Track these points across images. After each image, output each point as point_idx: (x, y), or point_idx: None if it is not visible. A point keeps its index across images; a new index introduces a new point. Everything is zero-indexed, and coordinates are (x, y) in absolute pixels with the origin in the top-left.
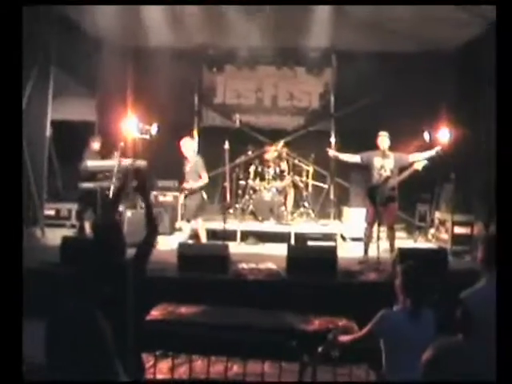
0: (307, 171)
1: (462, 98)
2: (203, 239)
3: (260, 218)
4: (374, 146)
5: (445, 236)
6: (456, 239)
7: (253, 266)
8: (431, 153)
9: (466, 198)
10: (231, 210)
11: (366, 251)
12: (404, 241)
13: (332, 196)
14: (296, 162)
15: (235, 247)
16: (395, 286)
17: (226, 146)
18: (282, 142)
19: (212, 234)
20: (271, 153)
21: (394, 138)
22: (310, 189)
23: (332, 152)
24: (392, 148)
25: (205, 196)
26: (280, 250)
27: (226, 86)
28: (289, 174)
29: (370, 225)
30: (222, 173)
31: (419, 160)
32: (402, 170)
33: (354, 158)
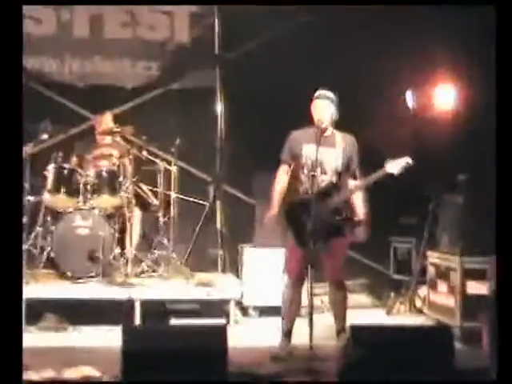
0: (167, 172)
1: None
2: None
3: (69, 274)
4: (302, 122)
5: (448, 300)
6: (469, 306)
7: (50, 375)
8: (403, 161)
9: (483, 221)
10: None
11: (286, 334)
12: (366, 311)
13: (219, 224)
14: (144, 153)
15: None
16: None
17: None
18: (110, 115)
19: None
20: (101, 136)
21: (345, 106)
22: (173, 210)
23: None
24: (341, 125)
25: None
26: (109, 337)
27: None
28: (129, 179)
29: (295, 281)
30: None
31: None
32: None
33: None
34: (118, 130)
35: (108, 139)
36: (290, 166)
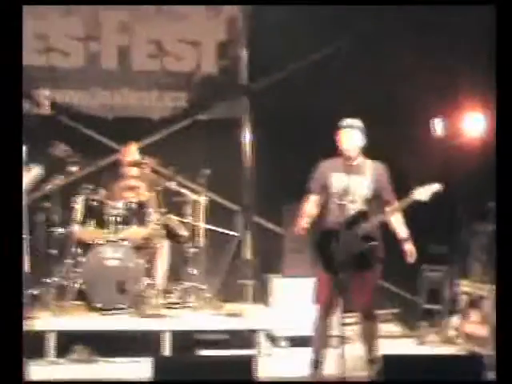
0: (195, 203)
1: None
2: None
3: (99, 306)
4: (329, 151)
5: (481, 330)
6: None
7: None
8: (431, 188)
9: None
10: (35, 292)
11: (316, 365)
12: (397, 341)
13: (248, 254)
14: (172, 184)
15: (45, 370)
16: None
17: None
18: (135, 146)
19: None
20: (127, 167)
21: (373, 134)
22: (202, 240)
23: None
24: (369, 153)
25: None
26: (138, 369)
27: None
28: (158, 211)
29: (325, 310)
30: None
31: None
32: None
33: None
34: (145, 161)
35: (135, 171)
36: (318, 196)
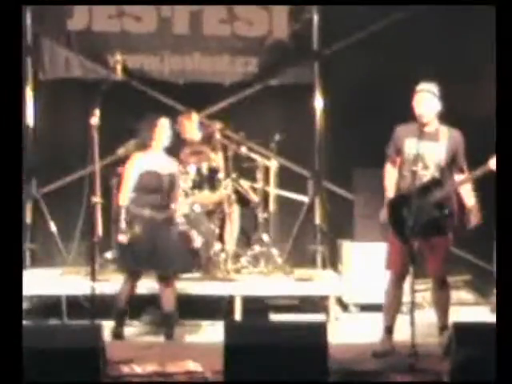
0: (266, 169)
1: None
2: None
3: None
4: (404, 116)
5: None
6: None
7: (154, 368)
8: None
9: None
10: (109, 255)
11: (388, 330)
12: (470, 309)
13: (318, 219)
14: (243, 150)
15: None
16: None
17: (95, 119)
18: (210, 111)
19: (70, 303)
20: (191, 132)
21: (451, 100)
22: (271, 206)
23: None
24: (445, 119)
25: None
26: (211, 333)
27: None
28: (228, 175)
29: (397, 276)
30: (86, 175)
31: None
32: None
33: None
34: (219, 125)
35: (199, 136)
36: (395, 161)
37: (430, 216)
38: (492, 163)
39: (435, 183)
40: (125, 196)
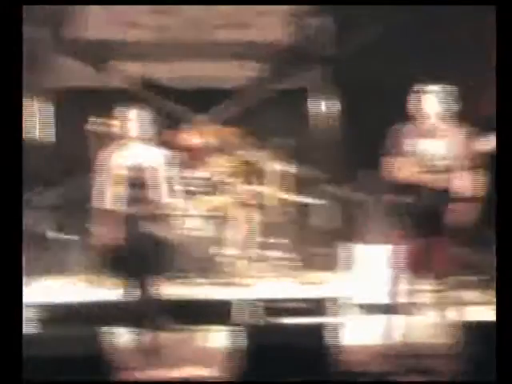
0: (275, 172)
1: None
2: None
3: (179, 275)
4: (406, 116)
5: None
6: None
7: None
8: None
9: None
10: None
11: (392, 331)
12: (477, 308)
13: (329, 222)
14: (249, 154)
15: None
16: None
17: (93, 126)
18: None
19: (77, 309)
20: (198, 137)
21: (452, 98)
22: (281, 209)
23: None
24: (447, 118)
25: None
26: (221, 337)
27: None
28: (235, 180)
29: (403, 276)
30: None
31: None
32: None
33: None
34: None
35: (207, 139)
36: (400, 159)
37: (437, 213)
38: (482, 143)
39: (441, 179)
40: (106, 195)
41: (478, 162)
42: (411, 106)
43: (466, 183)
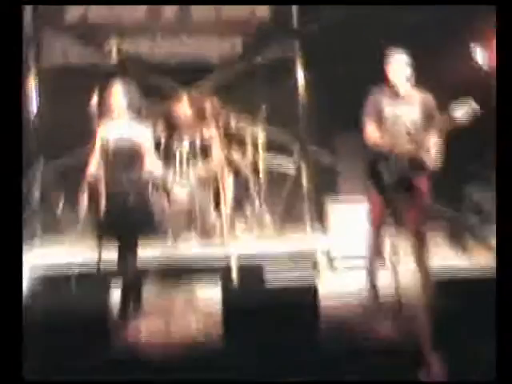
0: (255, 140)
1: None
2: None
3: (170, 235)
4: (379, 82)
5: None
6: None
7: (159, 327)
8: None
9: None
10: None
11: (372, 283)
12: (451, 261)
13: (305, 182)
14: (232, 123)
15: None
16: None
17: (94, 101)
18: (201, 87)
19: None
20: (183, 108)
21: (418, 64)
22: (262, 172)
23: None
24: (416, 83)
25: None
26: (208, 294)
27: None
28: (221, 147)
29: (378, 229)
30: (86, 153)
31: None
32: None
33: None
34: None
35: (190, 112)
36: (376, 121)
37: (408, 171)
38: (455, 111)
39: (409, 141)
40: (94, 167)
41: (447, 128)
42: (385, 72)
43: (434, 150)
